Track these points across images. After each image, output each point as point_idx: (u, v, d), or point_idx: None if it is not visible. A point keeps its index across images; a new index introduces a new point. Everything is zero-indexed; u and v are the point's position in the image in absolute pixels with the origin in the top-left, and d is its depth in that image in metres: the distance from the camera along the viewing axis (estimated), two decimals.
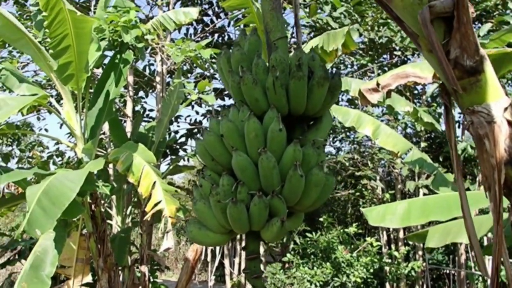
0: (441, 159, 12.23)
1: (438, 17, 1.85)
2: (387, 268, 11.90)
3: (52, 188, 5.04)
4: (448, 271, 13.31)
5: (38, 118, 12.04)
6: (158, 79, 11.14)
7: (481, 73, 1.81)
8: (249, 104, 1.78)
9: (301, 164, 1.70)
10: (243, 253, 11.30)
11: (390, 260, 12.23)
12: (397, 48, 11.86)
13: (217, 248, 13.46)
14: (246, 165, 1.70)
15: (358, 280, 10.29)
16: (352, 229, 11.64)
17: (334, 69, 14.60)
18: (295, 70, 1.70)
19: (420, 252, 13.27)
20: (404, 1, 1.88)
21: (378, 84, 5.60)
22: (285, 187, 1.71)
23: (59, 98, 9.60)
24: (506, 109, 1.79)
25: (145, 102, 12.88)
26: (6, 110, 5.41)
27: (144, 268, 7.91)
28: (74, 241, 7.07)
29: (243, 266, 13.63)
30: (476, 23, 12.06)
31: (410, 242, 12.69)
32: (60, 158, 11.87)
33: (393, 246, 13.71)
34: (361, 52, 12.15)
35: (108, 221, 9.27)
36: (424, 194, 11.52)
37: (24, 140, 13.67)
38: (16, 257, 9.46)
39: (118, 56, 6.98)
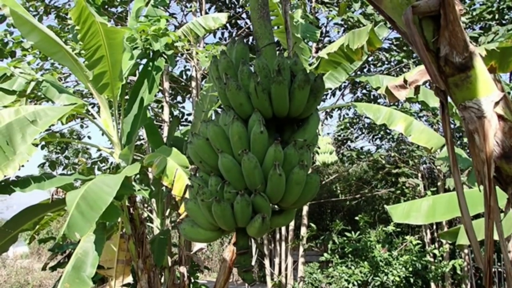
0: None
1: (427, 16, 1.88)
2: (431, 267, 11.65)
3: (90, 193, 5.28)
4: (495, 269, 12.84)
5: (82, 126, 12.58)
6: (193, 84, 11.41)
7: (471, 69, 1.82)
8: (234, 108, 1.89)
9: (284, 164, 1.80)
10: (283, 254, 11.32)
11: (433, 259, 11.96)
12: None
13: (253, 249, 13.59)
14: (231, 166, 1.81)
15: (397, 279, 10.14)
16: (390, 228, 11.47)
17: (371, 66, 14.44)
18: (275, 75, 1.80)
19: (466, 250, 12.89)
20: (393, 2, 1.92)
21: (405, 81, 5.55)
22: (267, 186, 1.81)
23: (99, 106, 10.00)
24: (497, 103, 1.80)
25: (183, 107, 13.20)
26: (46, 120, 5.73)
27: (183, 269, 8.12)
28: (114, 243, 7.37)
29: (283, 267, 13.69)
30: None
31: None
32: (104, 164, 12.36)
33: (436, 244, 13.40)
34: (395, 48, 11.97)
35: (150, 224, 9.59)
36: None
37: (72, 148, 14.26)
38: (66, 260, 9.87)
39: (151, 63, 7.22)
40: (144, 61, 7.45)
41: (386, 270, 10.35)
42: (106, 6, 10.53)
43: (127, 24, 10.20)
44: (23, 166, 6.09)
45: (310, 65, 7.76)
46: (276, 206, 1.90)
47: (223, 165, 1.81)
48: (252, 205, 1.77)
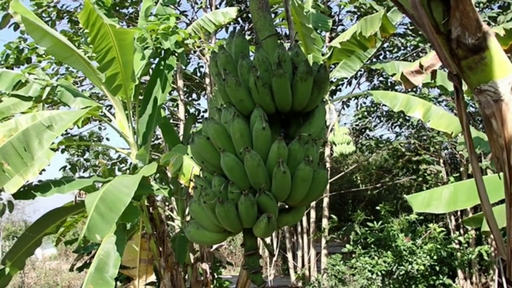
0: None
1: None
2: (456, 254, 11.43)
3: (108, 195, 5.29)
4: None
5: (100, 128, 12.68)
6: (207, 80, 11.37)
7: (485, 50, 1.72)
8: (235, 105, 1.82)
9: (288, 160, 1.73)
10: (306, 246, 11.24)
11: (459, 246, 11.74)
12: None
13: (275, 243, 13.58)
14: (234, 165, 1.74)
15: (422, 267, 9.97)
16: (413, 216, 11.28)
17: (387, 52, 14.20)
18: (275, 68, 1.72)
19: (493, 236, 12.60)
20: None
21: (421, 66, 5.40)
22: (272, 184, 1.74)
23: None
24: None
25: (198, 104, 13.19)
26: (61, 125, 5.76)
27: (205, 266, 8.13)
28: (136, 243, 7.41)
29: (306, 259, 13.63)
30: None
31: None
32: (123, 165, 12.44)
33: (462, 231, 13.16)
34: (410, 33, 11.73)
35: (172, 222, 9.62)
36: None
37: (92, 150, 14.42)
38: (92, 260, 9.97)
39: (162, 62, 7.21)
40: (156, 60, 7.43)
41: (410, 259, 10.18)
42: (117, 8, 10.56)
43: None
44: (44, 170, 6.14)
45: (323, 55, 7.64)
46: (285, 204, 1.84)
47: (226, 164, 1.75)
48: (258, 205, 1.70)
